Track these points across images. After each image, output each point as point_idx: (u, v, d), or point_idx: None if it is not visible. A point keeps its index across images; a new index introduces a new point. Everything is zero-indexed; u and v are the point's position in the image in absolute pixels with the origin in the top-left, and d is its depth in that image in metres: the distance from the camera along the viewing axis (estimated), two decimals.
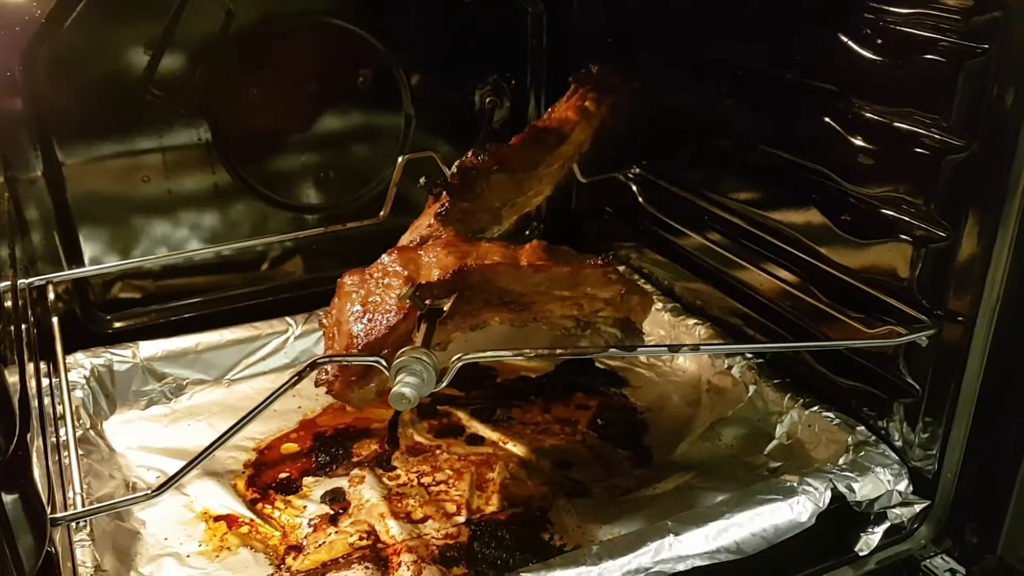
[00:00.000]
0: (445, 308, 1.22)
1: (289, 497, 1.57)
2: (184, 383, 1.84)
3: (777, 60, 1.61)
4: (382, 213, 1.86)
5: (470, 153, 1.51)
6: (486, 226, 1.61)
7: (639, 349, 1.14)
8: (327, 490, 1.58)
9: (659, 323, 1.93)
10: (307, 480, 1.61)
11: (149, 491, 1.11)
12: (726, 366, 1.74)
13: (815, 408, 1.58)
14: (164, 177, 1.91)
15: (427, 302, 1.19)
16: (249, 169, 1.97)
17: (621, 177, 2.04)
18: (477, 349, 1.16)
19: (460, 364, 1.11)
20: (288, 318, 1.94)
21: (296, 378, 1.10)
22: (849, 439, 1.49)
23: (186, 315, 1.98)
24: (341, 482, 1.59)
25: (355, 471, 1.62)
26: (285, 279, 2.10)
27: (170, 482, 1.10)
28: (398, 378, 1.08)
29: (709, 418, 1.70)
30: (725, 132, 1.78)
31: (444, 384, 1.12)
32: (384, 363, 1.12)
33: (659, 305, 1.95)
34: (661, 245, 2.06)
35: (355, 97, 2.01)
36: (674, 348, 1.25)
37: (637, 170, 2.03)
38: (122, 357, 1.81)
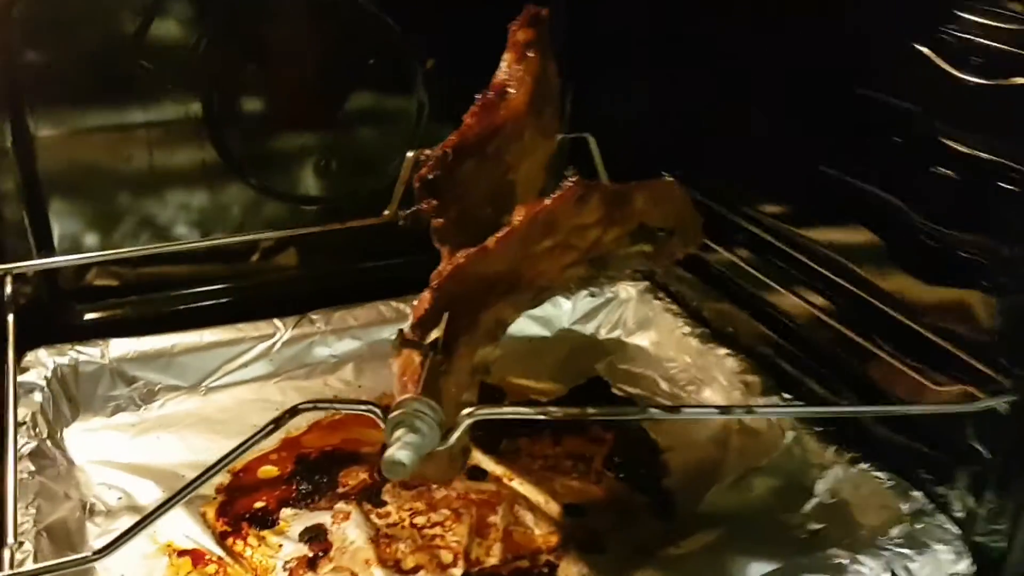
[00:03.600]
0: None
1: (264, 532, 1.39)
2: (156, 388, 1.66)
3: (845, 69, 1.42)
4: (387, 211, 1.67)
5: (422, 162, 1.30)
6: (496, 217, 1.41)
7: (684, 411, 0.94)
8: (307, 526, 1.40)
9: (685, 349, 1.76)
10: (285, 512, 1.43)
11: (90, 554, 0.93)
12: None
13: (863, 466, 1.40)
14: (147, 154, 1.74)
15: (426, 340, 1.01)
16: (242, 151, 1.80)
17: None
18: None
19: (470, 421, 0.93)
20: (276, 320, 1.76)
21: (272, 426, 0.92)
22: (903, 506, 1.32)
23: (164, 309, 1.82)
24: (323, 517, 1.42)
25: (340, 504, 1.44)
26: (277, 274, 1.93)
27: (116, 544, 0.92)
28: (395, 435, 0.90)
29: (740, 464, 1.51)
30: (774, 144, 1.60)
31: (450, 443, 0.94)
32: (378, 413, 0.94)
33: (686, 329, 1.78)
34: (688, 261, 1.88)
35: (363, 79, 1.84)
36: (725, 410, 1.04)
37: (669, 179, 1.84)
38: (89, 356, 1.64)
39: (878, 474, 1.38)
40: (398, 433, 0.89)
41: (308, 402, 0.96)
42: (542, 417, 0.99)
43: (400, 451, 0.87)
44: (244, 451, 0.92)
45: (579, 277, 1.25)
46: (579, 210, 1.17)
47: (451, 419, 1.04)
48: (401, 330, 1.04)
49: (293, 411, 0.93)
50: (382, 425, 0.93)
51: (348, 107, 1.85)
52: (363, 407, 0.95)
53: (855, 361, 1.49)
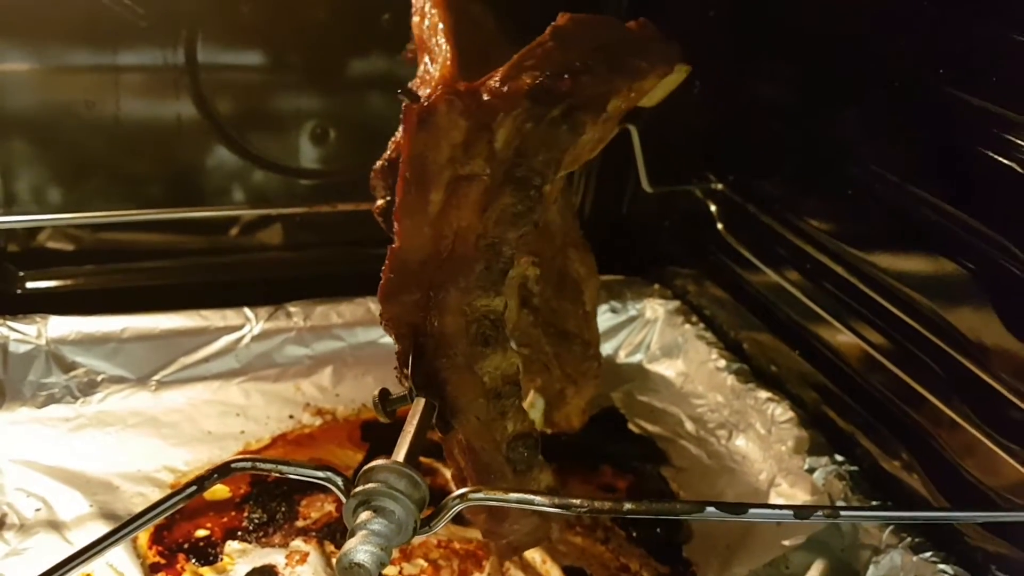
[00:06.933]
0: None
1: (203, 569, 1.17)
2: (98, 379, 1.44)
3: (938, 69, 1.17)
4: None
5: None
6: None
7: (751, 512, 0.69)
8: (255, 567, 1.18)
9: (717, 386, 1.52)
10: (231, 546, 1.21)
11: None
12: (806, 467, 1.32)
13: (927, 554, 1.16)
14: (113, 103, 1.50)
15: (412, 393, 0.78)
16: (226, 109, 1.57)
17: (698, 192, 1.60)
18: None
19: (460, 507, 0.68)
20: (247, 310, 1.53)
21: (195, 487, 0.68)
22: None
23: (119, 284, 1.59)
24: (275, 557, 1.19)
25: (297, 542, 1.22)
26: (256, 253, 1.70)
27: None
28: (358, 520, 0.65)
29: (776, 536, 1.27)
30: (858, 157, 1.34)
31: (434, 531, 0.69)
32: (339, 484, 0.69)
33: (720, 363, 1.54)
34: (730, 281, 1.63)
35: (375, 36, 1.59)
36: (803, 512, 0.76)
37: (719, 185, 1.59)
38: (23, 335, 1.41)
39: (944, 567, 1.15)
40: (362, 518, 0.65)
41: (246, 458, 0.71)
42: (556, 511, 0.75)
43: (362, 548, 0.62)
44: (163, 513, 0.68)
45: (514, 205, 0.94)
46: (434, 134, 0.91)
47: (496, 463, 0.80)
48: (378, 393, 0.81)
49: (225, 468, 0.69)
50: (343, 500, 0.69)
51: (355, 68, 1.63)
52: (320, 474, 0.70)
53: (923, 419, 1.26)
